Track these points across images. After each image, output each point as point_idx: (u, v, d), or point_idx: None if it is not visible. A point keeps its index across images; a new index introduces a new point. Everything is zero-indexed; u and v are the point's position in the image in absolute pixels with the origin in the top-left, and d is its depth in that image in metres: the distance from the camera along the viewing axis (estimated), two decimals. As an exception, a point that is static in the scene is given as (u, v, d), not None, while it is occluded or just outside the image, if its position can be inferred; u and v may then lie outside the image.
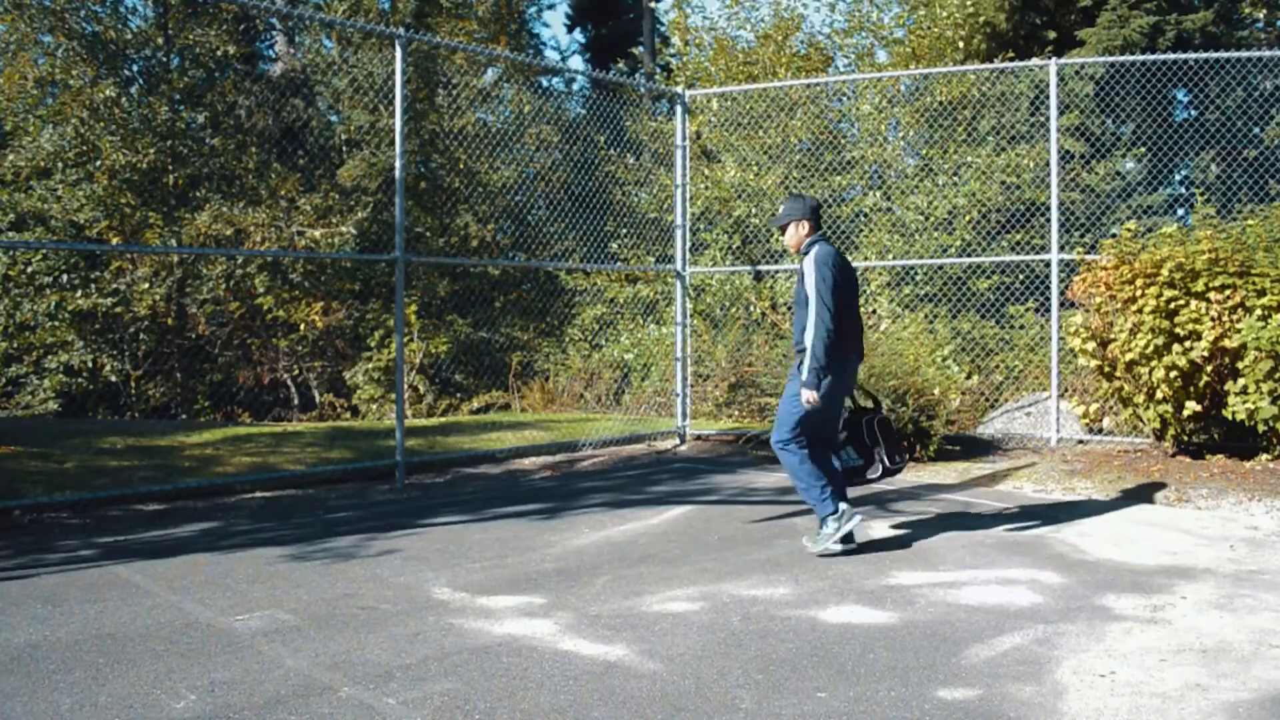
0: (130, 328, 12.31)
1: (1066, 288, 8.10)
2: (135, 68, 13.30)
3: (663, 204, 12.00)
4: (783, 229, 5.31)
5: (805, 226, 5.23)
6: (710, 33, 15.46)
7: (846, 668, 3.47)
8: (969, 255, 10.30)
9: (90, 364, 11.99)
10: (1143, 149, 10.72)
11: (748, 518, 5.97)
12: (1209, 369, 7.05)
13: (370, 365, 12.58)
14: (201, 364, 12.90)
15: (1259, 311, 6.87)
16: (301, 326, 12.92)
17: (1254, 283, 7.02)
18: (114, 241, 12.25)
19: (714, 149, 12.27)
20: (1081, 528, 5.67)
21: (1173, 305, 7.10)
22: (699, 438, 9.49)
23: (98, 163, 12.05)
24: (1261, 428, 6.95)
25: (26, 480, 6.63)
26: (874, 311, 10.56)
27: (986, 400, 9.50)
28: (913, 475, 7.41)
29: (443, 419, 11.10)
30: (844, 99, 12.26)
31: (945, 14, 13.14)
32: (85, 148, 12.07)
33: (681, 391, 9.47)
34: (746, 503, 6.46)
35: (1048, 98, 8.74)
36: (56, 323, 11.68)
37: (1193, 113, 12.52)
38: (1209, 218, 8.00)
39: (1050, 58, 9.17)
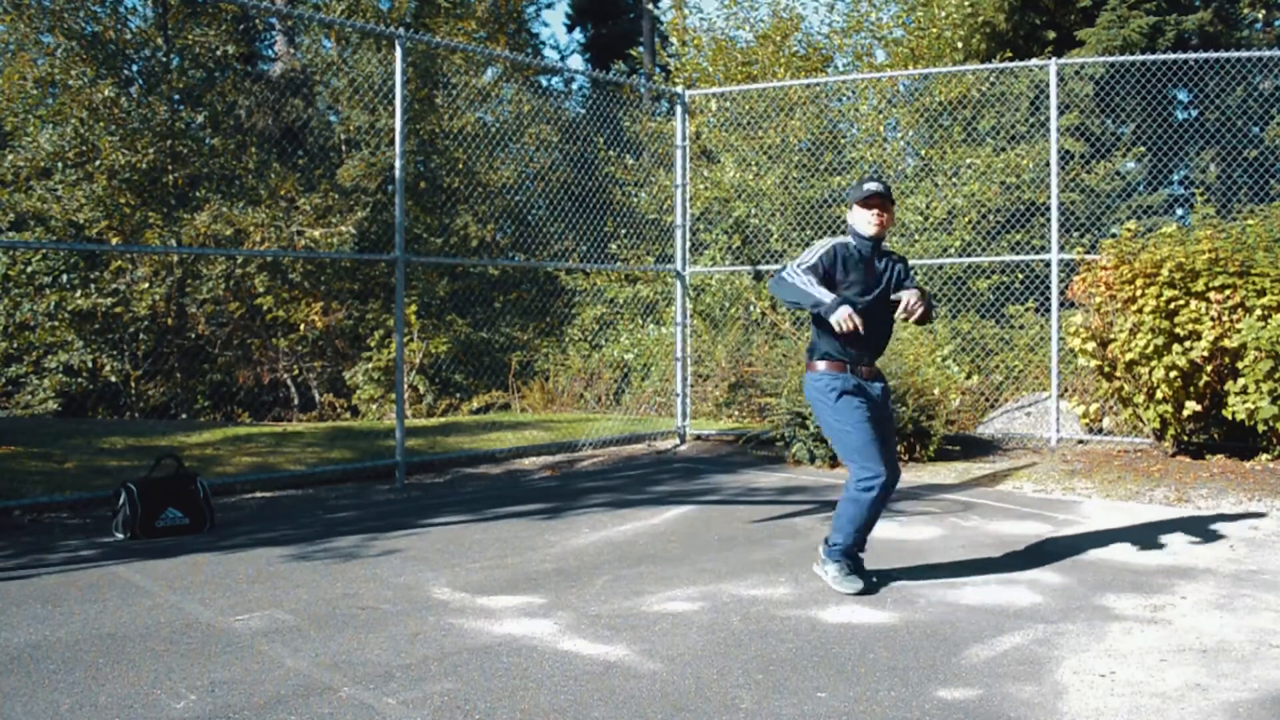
0: (130, 328, 12.31)
1: (1066, 288, 8.10)
2: (135, 68, 13.30)
3: (662, 204, 12.00)
4: (887, 206, 4.41)
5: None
6: (708, 34, 15.46)
7: (846, 668, 3.46)
8: (968, 255, 10.30)
9: (90, 364, 11.99)
10: (1143, 149, 10.72)
11: (748, 518, 5.97)
12: (1209, 369, 7.05)
13: (370, 365, 12.58)
14: (201, 364, 12.89)
15: (1259, 311, 6.87)
16: (301, 326, 12.92)
17: (1254, 283, 7.02)
18: (114, 241, 12.25)
19: (713, 149, 12.27)
20: (1081, 528, 5.67)
21: (1173, 305, 7.10)
22: (699, 438, 9.49)
23: (97, 163, 12.05)
24: (1261, 428, 6.95)
25: (26, 480, 6.63)
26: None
27: (986, 400, 9.50)
28: (913, 475, 7.41)
29: (443, 419, 11.10)
30: (843, 99, 12.26)
31: (944, 14, 13.15)
32: (85, 148, 12.07)
33: (681, 391, 9.47)
34: (747, 503, 6.45)
35: (1047, 98, 8.74)
36: (56, 323, 11.68)
37: (1193, 113, 12.52)
38: (1209, 218, 8.00)
39: (1050, 58, 9.18)
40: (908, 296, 4.26)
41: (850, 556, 4.44)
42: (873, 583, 4.46)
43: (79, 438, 8.51)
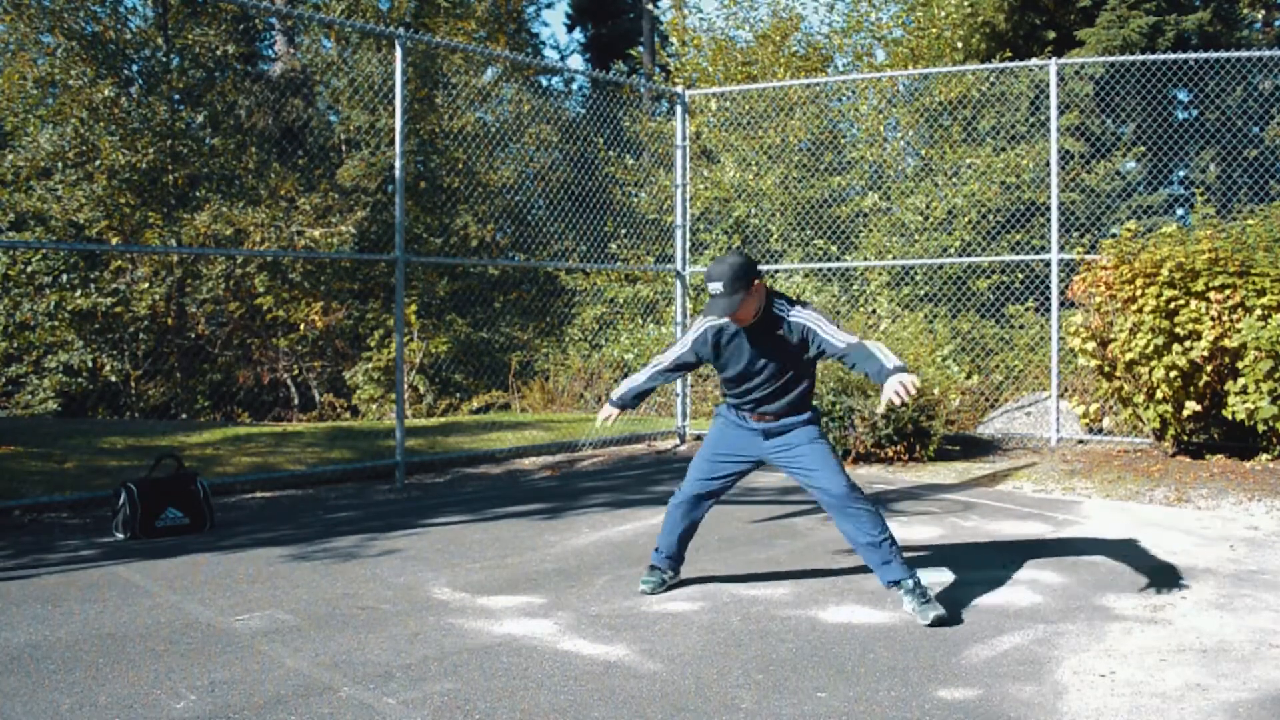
0: (130, 328, 12.31)
1: (1066, 288, 8.10)
2: (135, 68, 13.30)
3: (662, 204, 12.00)
4: (733, 309, 3.95)
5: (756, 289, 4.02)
6: (708, 34, 15.47)
7: (846, 668, 3.46)
8: (968, 255, 10.30)
9: (90, 364, 11.99)
10: (1143, 149, 10.72)
11: (748, 518, 5.97)
12: (1209, 369, 7.05)
13: (370, 365, 12.58)
14: (201, 364, 12.90)
15: (1259, 311, 6.87)
16: (301, 326, 12.93)
17: (1254, 282, 7.02)
18: (114, 241, 12.25)
19: (713, 149, 12.27)
20: (1081, 528, 5.67)
21: (1173, 305, 7.10)
22: (699, 438, 9.49)
23: (97, 163, 12.05)
24: (1261, 428, 6.95)
25: (26, 480, 6.63)
26: (874, 311, 10.57)
27: (986, 400, 9.50)
28: (913, 475, 7.41)
29: (443, 419, 11.09)
30: (843, 99, 12.27)
31: (944, 14, 13.15)
32: (85, 148, 12.07)
33: (681, 391, 9.48)
34: (747, 503, 6.45)
35: (1047, 98, 8.74)
36: (56, 323, 11.68)
37: (1193, 113, 12.53)
38: (1209, 218, 8.00)
39: (1050, 58, 9.18)
40: (893, 394, 3.74)
41: (671, 558, 4.64)
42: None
43: (79, 438, 8.51)
